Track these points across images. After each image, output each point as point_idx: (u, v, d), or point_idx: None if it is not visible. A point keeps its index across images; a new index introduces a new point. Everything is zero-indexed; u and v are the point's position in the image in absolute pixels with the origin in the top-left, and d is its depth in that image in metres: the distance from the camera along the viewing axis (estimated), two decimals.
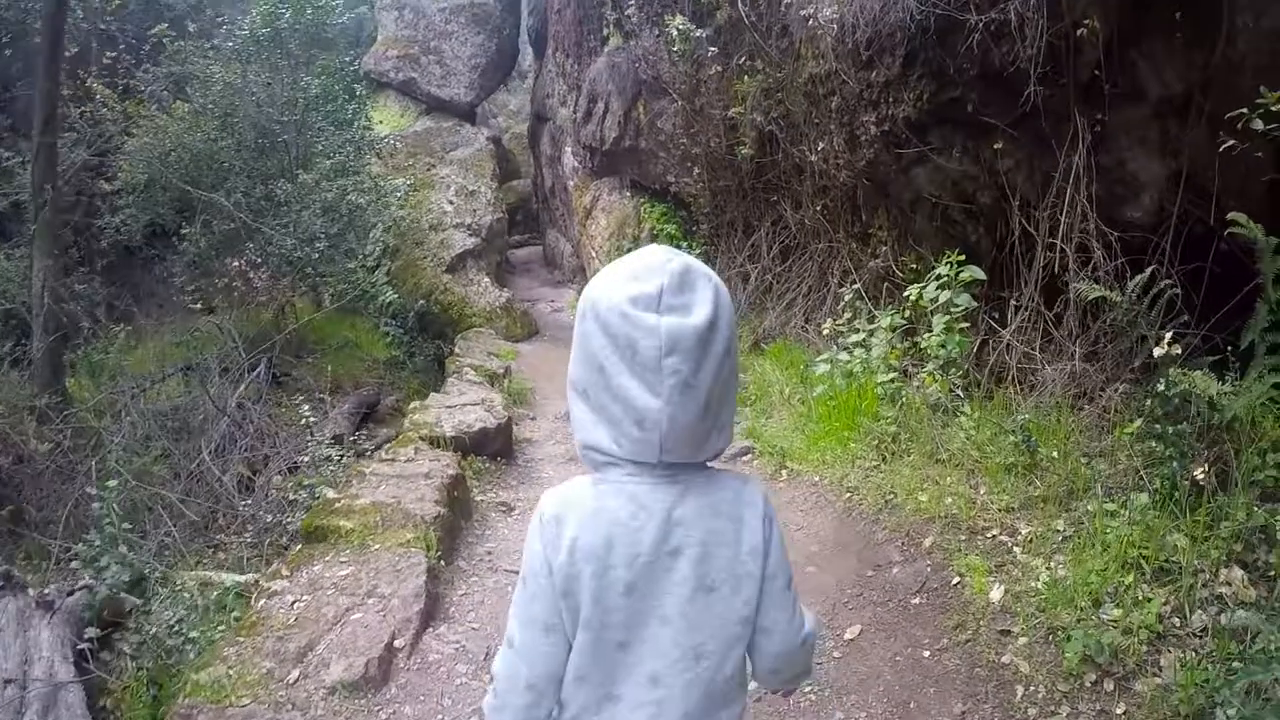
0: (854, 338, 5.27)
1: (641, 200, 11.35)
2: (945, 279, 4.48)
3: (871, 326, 5.22)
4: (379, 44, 17.39)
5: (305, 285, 10.73)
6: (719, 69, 8.18)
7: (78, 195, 9.77)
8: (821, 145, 6.21)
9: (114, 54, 10.11)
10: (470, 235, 12.52)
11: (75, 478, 6.85)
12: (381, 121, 17.95)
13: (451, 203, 13.18)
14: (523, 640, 1.13)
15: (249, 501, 7.57)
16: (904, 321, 5.09)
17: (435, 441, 5.43)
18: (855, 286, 6.55)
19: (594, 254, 13.16)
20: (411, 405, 6.44)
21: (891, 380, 4.67)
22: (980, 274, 4.37)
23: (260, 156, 10.15)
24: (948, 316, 4.39)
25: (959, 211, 4.97)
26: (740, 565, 1.13)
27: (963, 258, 4.52)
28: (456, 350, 9.48)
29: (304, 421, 7.20)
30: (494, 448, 5.92)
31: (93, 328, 9.86)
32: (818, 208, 7.00)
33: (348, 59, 11.67)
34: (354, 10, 18.77)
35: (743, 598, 1.13)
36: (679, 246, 9.94)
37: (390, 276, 12.02)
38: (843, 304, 6.59)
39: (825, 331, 6.70)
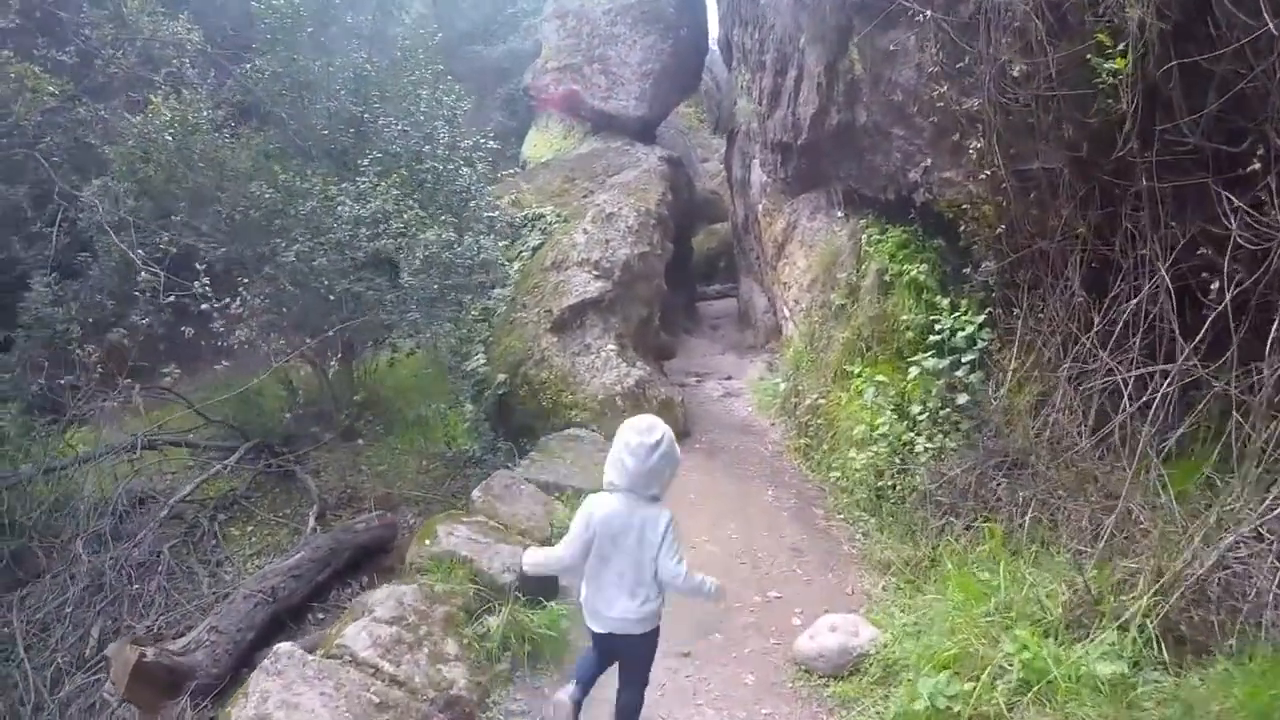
0: None
1: (863, 222, 6.53)
2: None
3: None
4: (541, 58, 14.60)
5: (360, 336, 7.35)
6: None
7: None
8: None
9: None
10: (597, 277, 8.34)
11: None
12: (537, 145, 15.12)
13: (586, 232, 9.20)
14: (569, 549, 2.74)
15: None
16: None
17: None
18: None
19: (788, 310, 8.48)
20: None
21: None
22: None
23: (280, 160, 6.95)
24: None
25: None
26: (652, 540, 2.68)
27: None
28: (493, 487, 4.88)
29: None
30: None
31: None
32: None
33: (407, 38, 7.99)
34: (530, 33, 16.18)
35: (651, 553, 2.68)
36: (936, 309, 4.91)
37: (490, 332, 8.26)
38: None
39: None
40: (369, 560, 5.48)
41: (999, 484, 4.20)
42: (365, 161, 6.57)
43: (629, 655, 2.86)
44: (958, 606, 3.20)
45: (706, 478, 6.33)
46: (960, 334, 4.62)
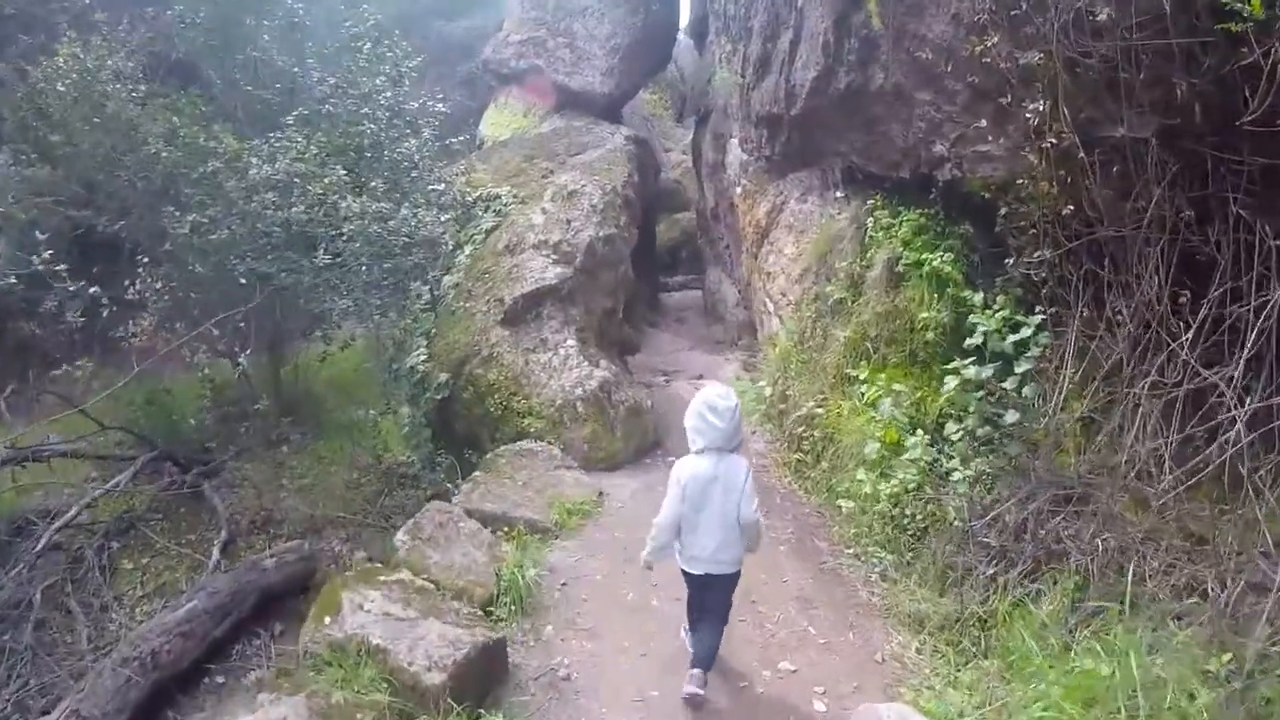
0: None
1: (869, 204, 5.73)
2: None
3: None
4: (503, 30, 13.52)
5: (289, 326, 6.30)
6: None
7: None
8: None
9: None
10: (556, 262, 7.39)
11: None
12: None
13: (545, 211, 8.23)
14: (669, 509, 3.21)
15: None
16: None
17: None
18: None
19: (769, 304, 7.67)
20: None
21: None
22: None
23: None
24: None
25: None
26: (735, 485, 3.17)
27: None
28: (424, 528, 3.88)
29: None
30: None
31: None
32: None
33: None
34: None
35: (735, 498, 3.17)
36: (965, 305, 4.13)
37: (432, 324, 7.24)
38: None
39: None
40: (281, 603, 4.46)
41: (1061, 523, 3.44)
42: (289, 119, 5.49)
43: (717, 591, 3.35)
44: (1053, 705, 2.39)
45: None
46: (1009, 338, 3.83)
